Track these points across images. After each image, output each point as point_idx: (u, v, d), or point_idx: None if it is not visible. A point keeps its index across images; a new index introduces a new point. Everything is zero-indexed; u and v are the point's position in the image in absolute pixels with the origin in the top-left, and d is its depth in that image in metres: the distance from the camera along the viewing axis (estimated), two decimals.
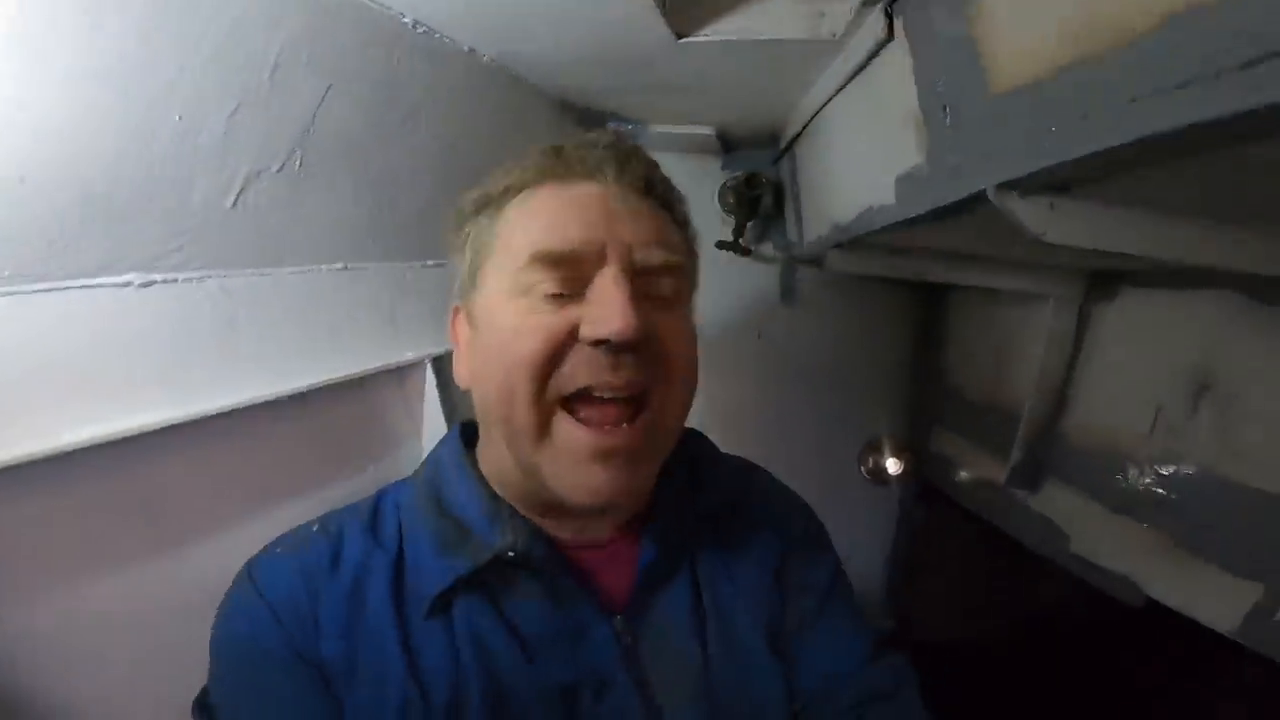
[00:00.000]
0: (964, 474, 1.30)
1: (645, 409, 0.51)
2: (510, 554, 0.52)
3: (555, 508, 0.55)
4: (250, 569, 0.55)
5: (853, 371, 1.44)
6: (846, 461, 1.45)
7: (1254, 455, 0.78)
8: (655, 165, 0.59)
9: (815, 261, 1.32)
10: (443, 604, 0.52)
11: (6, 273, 0.52)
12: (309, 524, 0.58)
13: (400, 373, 0.89)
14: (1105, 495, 0.97)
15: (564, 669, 0.53)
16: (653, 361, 0.51)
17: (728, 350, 1.41)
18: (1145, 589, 0.88)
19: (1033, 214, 0.60)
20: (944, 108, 0.67)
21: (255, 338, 0.70)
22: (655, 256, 0.52)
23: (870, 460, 1.43)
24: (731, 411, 1.35)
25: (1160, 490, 0.89)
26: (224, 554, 0.64)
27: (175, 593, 0.64)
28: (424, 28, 0.77)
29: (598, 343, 0.49)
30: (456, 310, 0.60)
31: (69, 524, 0.58)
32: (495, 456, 0.57)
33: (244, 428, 0.70)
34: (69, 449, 0.54)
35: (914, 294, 1.42)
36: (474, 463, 0.60)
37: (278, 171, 0.69)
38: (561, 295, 0.50)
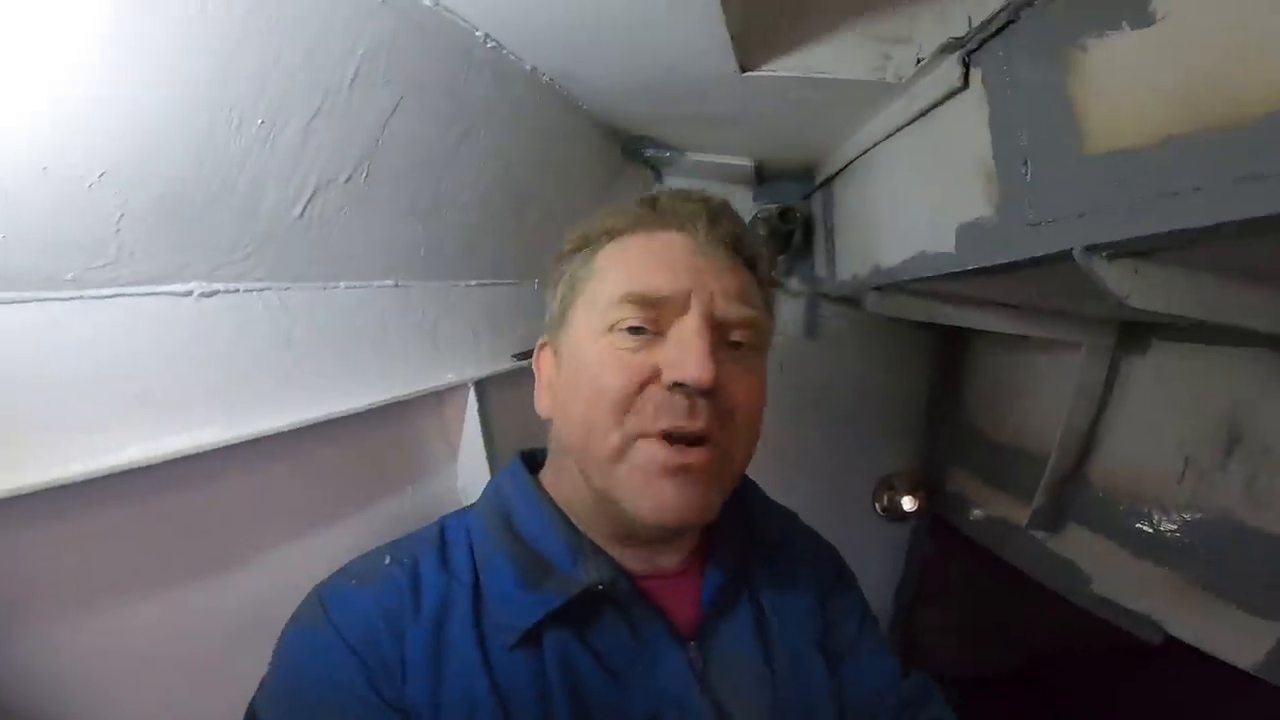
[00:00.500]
0: (979, 513, 1.31)
1: (712, 443, 0.54)
2: (599, 587, 0.54)
3: (629, 537, 0.58)
4: (323, 603, 0.53)
5: (871, 407, 1.44)
6: (861, 496, 1.46)
7: None
8: (743, 223, 0.62)
9: (846, 299, 1.32)
10: (532, 637, 0.53)
11: (69, 275, 0.49)
12: (378, 554, 0.57)
13: (440, 395, 0.86)
14: (1129, 539, 0.99)
15: (646, 696, 0.54)
16: (723, 407, 0.54)
17: None
18: (1166, 628, 0.90)
19: (1118, 277, 0.60)
20: (1025, 161, 0.67)
21: (309, 355, 0.67)
22: (735, 310, 0.55)
23: (885, 496, 1.43)
24: None
25: (1185, 536, 0.91)
26: (266, 576, 0.64)
27: (218, 614, 0.61)
28: (494, 43, 0.76)
29: (676, 385, 0.52)
30: (543, 345, 0.63)
31: (114, 542, 0.54)
32: (570, 487, 0.59)
33: (290, 448, 0.66)
34: (122, 469, 0.51)
35: (935, 333, 1.43)
36: (545, 493, 0.61)
37: (345, 182, 0.67)
38: (644, 333, 0.53)
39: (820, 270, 1.35)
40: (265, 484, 0.65)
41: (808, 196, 1.34)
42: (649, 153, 1.23)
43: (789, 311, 1.41)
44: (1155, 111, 0.53)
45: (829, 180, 1.22)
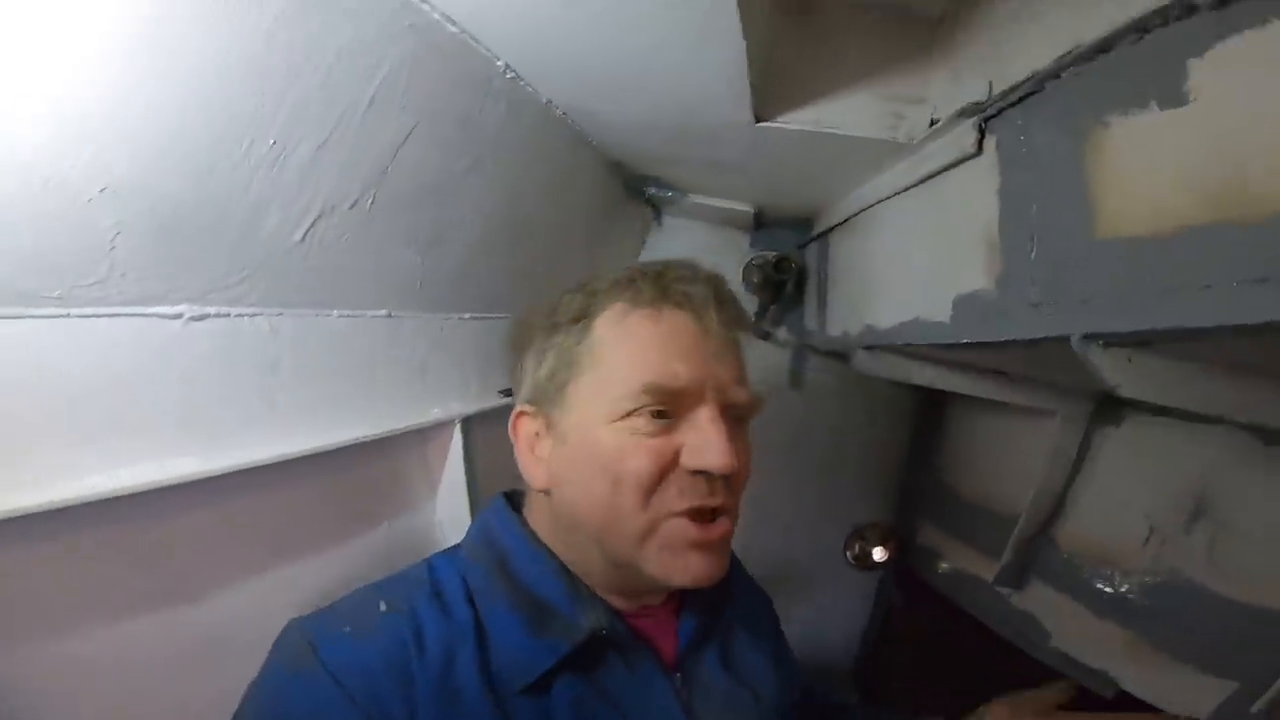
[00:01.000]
0: (946, 566, 1.33)
1: (723, 513, 0.59)
2: (604, 631, 0.57)
3: (626, 586, 0.62)
4: (314, 646, 0.52)
5: (848, 459, 1.45)
6: (833, 544, 1.46)
7: (1240, 573, 0.83)
8: (739, 302, 0.66)
9: (833, 353, 1.32)
10: (542, 681, 0.55)
11: (57, 293, 0.46)
12: (370, 598, 0.57)
13: (423, 432, 0.83)
14: (1090, 598, 1.02)
15: None
16: (731, 482, 0.59)
17: None
18: (1120, 683, 0.93)
19: (1112, 366, 0.59)
20: (1032, 237, 0.65)
21: (295, 384, 0.64)
22: (741, 395, 0.60)
23: (856, 546, 1.44)
24: None
25: (1145, 598, 0.94)
26: (228, 606, 0.62)
27: (175, 643, 0.58)
28: (513, 73, 0.74)
29: (698, 471, 0.56)
30: (521, 414, 0.64)
31: (73, 570, 0.51)
32: (575, 548, 0.61)
33: (268, 481, 0.63)
34: (87, 499, 0.48)
35: (914, 391, 1.43)
36: (539, 539, 0.63)
37: (350, 208, 0.64)
38: (665, 418, 0.57)
39: (810, 322, 1.35)
40: (235, 515, 0.62)
41: (803, 246, 1.35)
42: (650, 191, 1.22)
43: (774, 362, 1.41)
44: (1174, 199, 0.51)
45: (827, 232, 1.23)
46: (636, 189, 1.21)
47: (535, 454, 0.62)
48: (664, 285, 0.60)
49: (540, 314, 0.65)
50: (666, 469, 0.56)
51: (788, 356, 1.41)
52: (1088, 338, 0.59)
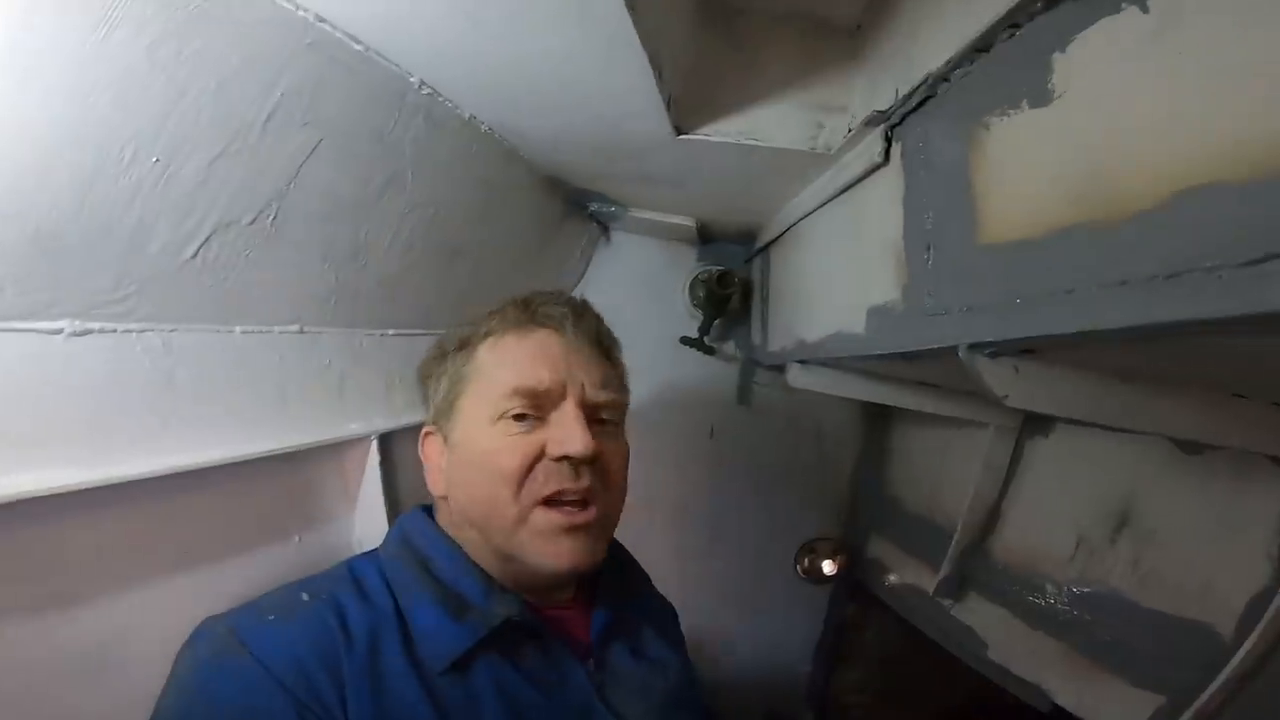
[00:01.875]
0: (894, 578, 1.34)
1: (593, 504, 0.66)
2: (515, 618, 0.63)
3: (526, 581, 0.68)
4: (239, 637, 0.55)
5: (798, 473, 1.45)
6: (783, 558, 1.46)
7: (1163, 584, 0.84)
8: (601, 320, 0.77)
9: (775, 366, 1.32)
10: (462, 663, 0.60)
11: None
12: (290, 592, 0.62)
13: (339, 446, 0.82)
14: (1023, 610, 1.03)
15: (563, 706, 0.65)
16: (598, 472, 0.66)
17: (680, 445, 1.41)
18: (1053, 697, 0.94)
19: (998, 377, 0.60)
20: (928, 246, 0.65)
21: (193, 399, 0.64)
22: (601, 395, 0.69)
23: (806, 560, 1.44)
24: (677, 503, 1.37)
25: (1075, 609, 0.95)
26: (120, 615, 0.61)
27: (60, 651, 0.57)
28: (429, 89, 0.75)
29: (562, 458, 0.64)
30: (428, 433, 0.73)
31: None
32: (477, 546, 0.68)
33: (164, 492, 0.62)
34: None
35: (863, 405, 1.44)
36: (455, 543, 0.69)
37: (249, 224, 0.64)
38: (530, 419, 0.66)
39: (755, 337, 1.36)
40: (130, 526, 0.61)
41: (749, 260, 1.36)
42: (593, 207, 1.23)
43: (722, 377, 1.41)
44: (1043, 200, 0.50)
45: (768, 246, 1.24)
46: (579, 204, 1.22)
47: (438, 467, 0.71)
48: (531, 309, 0.71)
49: (437, 347, 0.76)
50: (534, 461, 0.64)
51: (736, 372, 1.42)
52: (973, 348, 0.59)
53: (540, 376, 0.66)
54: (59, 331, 0.53)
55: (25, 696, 0.54)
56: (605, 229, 1.35)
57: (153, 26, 0.50)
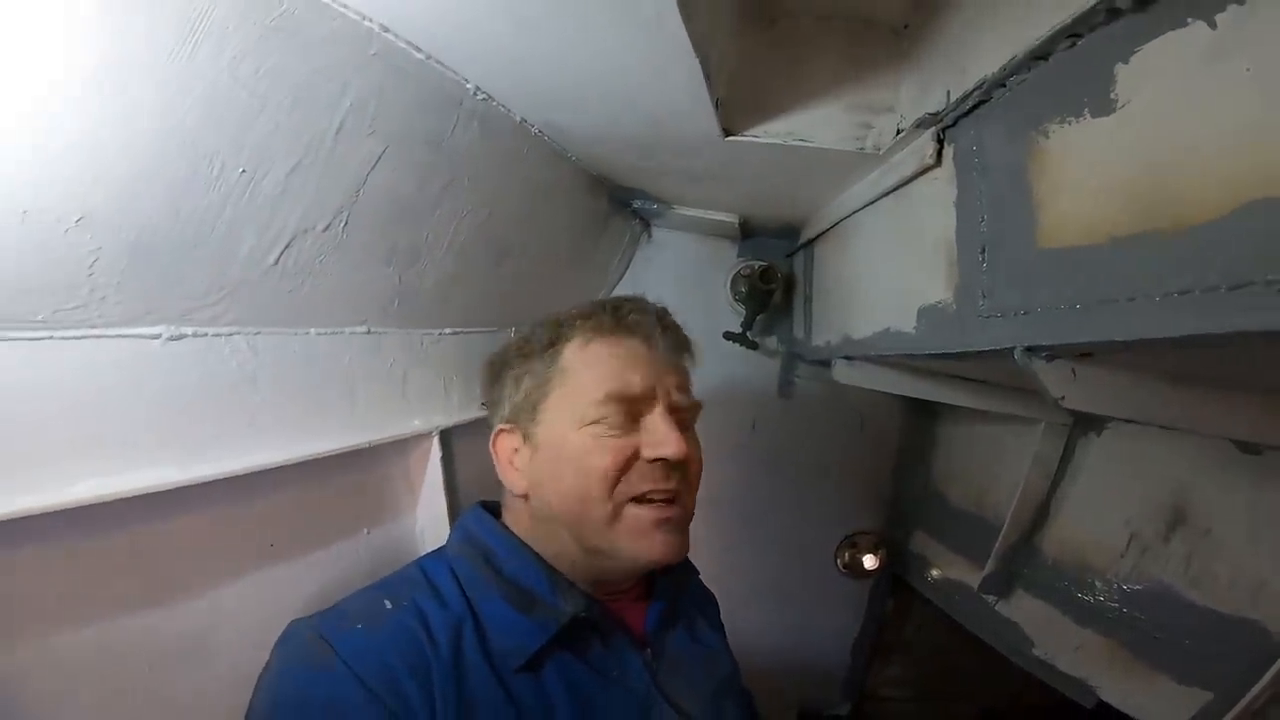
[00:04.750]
0: (936, 574, 1.33)
1: (678, 501, 0.70)
2: (583, 614, 0.66)
3: (607, 574, 0.72)
4: (330, 644, 0.57)
5: (839, 468, 1.45)
6: (823, 552, 1.46)
7: (1216, 582, 0.84)
8: (680, 327, 0.80)
9: (818, 361, 1.32)
10: (534, 660, 0.63)
11: (41, 316, 0.50)
12: (373, 597, 0.64)
13: (404, 442, 0.86)
14: (1071, 606, 1.03)
15: (625, 695, 0.67)
16: (681, 471, 0.70)
17: (724, 438, 1.41)
18: (1099, 692, 0.94)
19: (1055, 379, 0.60)
20: (983, 248, 0.66)
21: (274, 399, 0.67)
22: (685, 400, 0.74)
23: (846, 554, 1.44)
24: (719, 496, 1.37)
25: (1124, 606, 0.95)
26: (210, 608, 0.65)
27: (156, 643, 0.61)
28: (484, 95, 0.77)
29: (655, 460, 0.68)
30: (501, 431, 0.75)
31: (61, 572, 0.54)
32: (553, 543, 0.71)
33: (248, 490, 0.66)
34: (71, 505, 0.51)
35: (905, 399, 1.44)
36: (518, 537, 0.72)
37: (323, 230, 0.67)
38: (621, 423, 0.68)
39: (798, 332, 1.36)
40: (217, 523, 0.65)
41: (790, 255, 1.36)
42: (637, 204, 1.25)
43: (764, 370, 1.42)
44: (1105, 209, 0.51)
45: (811, 241, 1.24)
46: (622, 202, 1.23)
47: (514, 465, 0.73)
48: (620, 316, 0.74)
49: (513, 347, 0.78)
50: (627, 463, 0.67)
51: (777, 366, 1.42)
52: (1030, 350, 0.59)
53: (632, 383, 0.69)
54: (156, 337, 0.57)
55: (134, 684, 0.58)
56: (647, 226, 1.36)
57: (232, 43, 0.52)
